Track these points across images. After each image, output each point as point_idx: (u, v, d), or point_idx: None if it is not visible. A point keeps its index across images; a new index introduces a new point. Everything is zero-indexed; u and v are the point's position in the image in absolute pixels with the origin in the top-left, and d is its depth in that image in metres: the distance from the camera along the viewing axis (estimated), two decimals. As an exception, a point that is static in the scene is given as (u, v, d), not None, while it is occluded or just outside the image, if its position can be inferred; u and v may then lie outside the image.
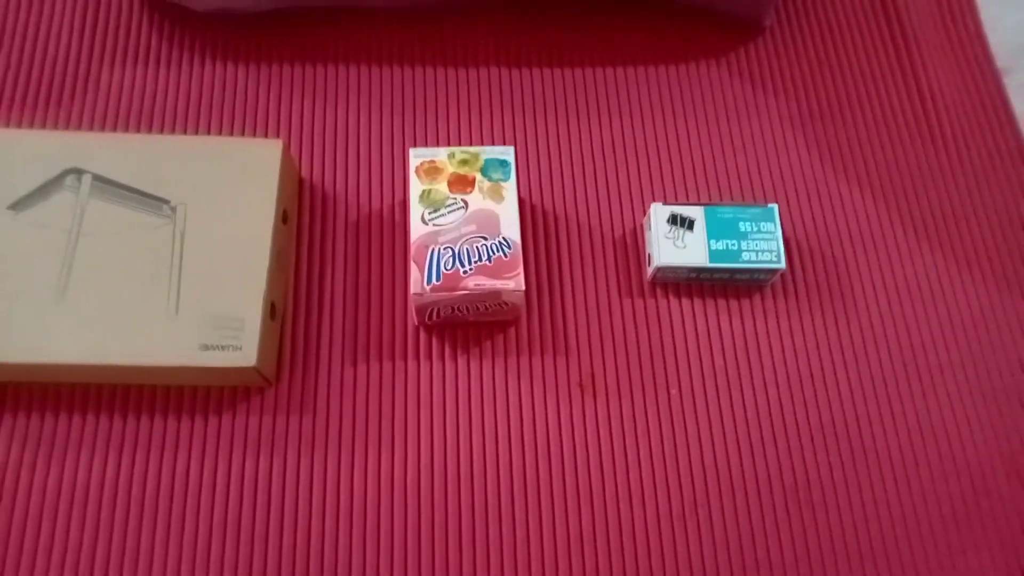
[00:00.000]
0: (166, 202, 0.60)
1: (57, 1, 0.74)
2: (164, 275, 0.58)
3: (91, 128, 0.69)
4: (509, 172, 0.62)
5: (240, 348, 0.56)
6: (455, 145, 0.70)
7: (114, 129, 0.69)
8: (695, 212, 0.65)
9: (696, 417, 0.62)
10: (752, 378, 0.64)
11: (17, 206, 0.59)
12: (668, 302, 0.66)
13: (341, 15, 0.75)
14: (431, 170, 0.61)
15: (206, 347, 0.56)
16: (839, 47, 0.78)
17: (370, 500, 0.58)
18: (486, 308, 0.61)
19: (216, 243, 0.59)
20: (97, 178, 0.60)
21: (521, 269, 0.58)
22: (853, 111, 0.75)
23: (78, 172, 0.60)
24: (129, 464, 0.58)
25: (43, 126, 0.68)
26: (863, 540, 0.59)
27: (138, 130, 0.69)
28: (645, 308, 0.65)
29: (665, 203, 0.66)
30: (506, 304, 0.60)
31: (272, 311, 0.60)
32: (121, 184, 0.60)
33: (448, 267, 0.58)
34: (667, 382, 0.63)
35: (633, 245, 0.68)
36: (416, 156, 0.62)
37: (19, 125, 0.68)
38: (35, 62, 0.71)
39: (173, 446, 0.59)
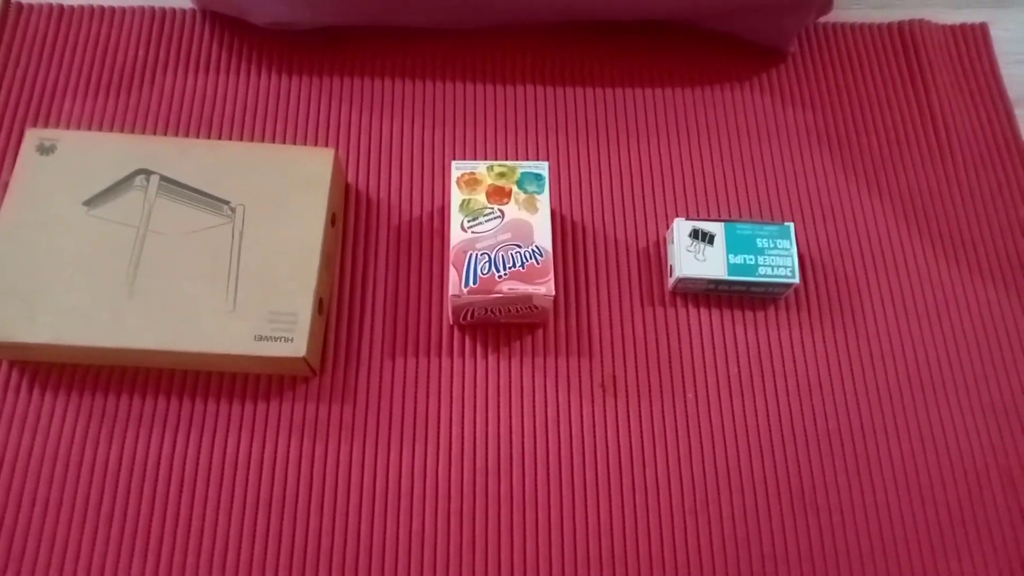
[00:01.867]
0: (226, 203, 0.65)
1: (127, 13, 0.79)
2: (223, 270, 0.62)
3: (155, 130, 0.74)
4: (543, 185, 0.66)
5: (291, 340, 0.61)
6: (492, 158, 0.75)
7: (176, 132, 0.74)
8: (716, 228, 0.69)
9: (710, 420, 0.66)
10: (764, 385, 0.68)
11: (90, 202, 0.64)
12: (687, 311, 0.70)
13: (389, 33, 0.80)
14: (471, 181, 0.66)
15: (260, 338, 0.61)
16: (857, 75, 0.82)
17: (403, 485, 0.63)
18: (517, 311, 0.65)
19: (271, 242, 0.64)
20: (164, 179, 0.65)
21: (552, 276, 0.62)
22: (868, 136, 0.79)
23: (147, 173, 0.65)
24: (184, 443, 0.63)
25: (112, 127, 0.74)
26: (863, 541, 0.63)
27: (198, 134, 0.74)
28: (665, 316, 0.70)
29: (687, 218, 0.70)
30: (536, 308, 0.65)
31: (320, 306, 0.64)
32: (186, 185, 0.65)
33: (484, 272, 0.62)
34: (684, 386, 0.67)
35: (656, 257, 0.72)
36: (457, 168, 0.67)
37: (90, 125, 0.74)
38: (105, 69, 0.76)
39: (225, 428, 0.64)
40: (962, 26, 0.85)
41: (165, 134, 0.74)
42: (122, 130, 0.74)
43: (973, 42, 0.84)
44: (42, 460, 0.62)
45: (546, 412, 0.66)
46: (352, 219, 0.72)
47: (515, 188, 0.66)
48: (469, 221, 0.64)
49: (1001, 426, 0.67)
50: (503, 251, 0.63)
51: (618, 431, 0.65)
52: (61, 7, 0.79)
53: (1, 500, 0.60)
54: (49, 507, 0.60)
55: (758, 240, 0.68)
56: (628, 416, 0.66)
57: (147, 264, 0.62)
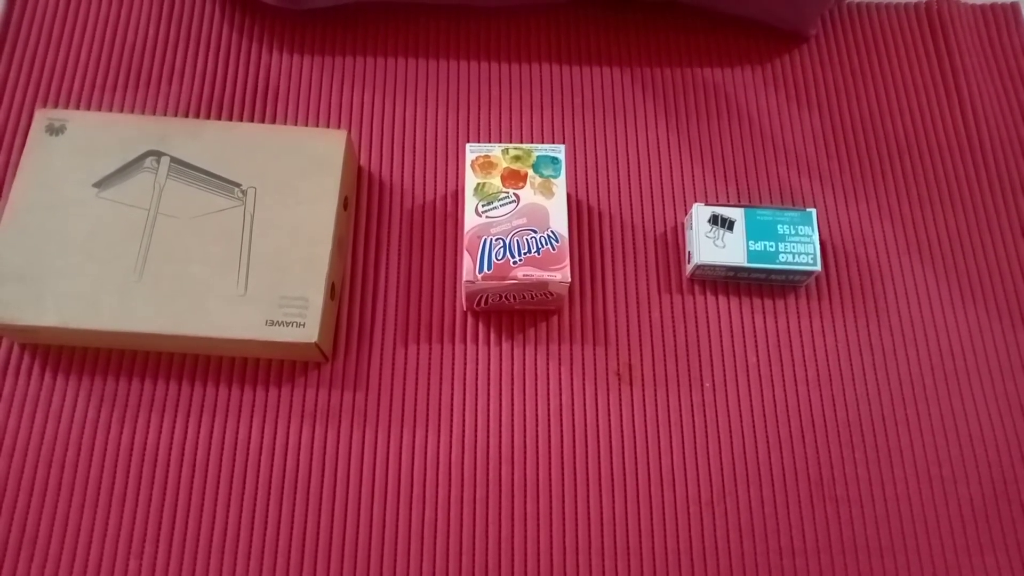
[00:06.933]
0: (237, 185, 0.64)
1: (137, -9, 0.78)
2: (234, 253, 0.62)
3: (165, 111, 0.73)
4: (559, 169, 0.65)
5: (303, 325, 0.60)
6: (508, 141, 0.74)
7: (186, 113, 0.73)
8: (735, 213, 0.67)
9: (728, 410, 0.65)
10: (783, 375, 0.66)
11: (100, 184, 0.63)
12: (705, 299, 0.69)
13: (402, 12, 0.79)
14: (486, 164, 0.65)
15: (271, 323, 0.60)
16: (882, 57, 0.80)
17: (416, 472, 0.62)
18: (532, 297, 0.64)
19: (283, 226, 0.63)
20: (175, 161, 0.64)
21: (568, 262, 0.61)
22: (893, 120, 0.77)
23: (157, 154, 0.64)
24: (196, 428, 0.62)
25: (122, 108, 0.73)
26: (883, 534, 0.62)
27: (209, 115, 0.73)
28: (683, 304, 0.68)
29: (707, 204, 0.69)
30: (551, 294, 0.63)
31: (332, 291, 0.63)
32: (196, 167, 0.64)
33: (499, 257, 0.61)
34: (701, 375, 0.66)
35: (674, 243, 0.71)
36: (472, 151, 0.65)
37: (100, 106, 0.73)
38: (115, 49, 0.75)
39: (236, 413, 0.63)
40: (992, 5, 0.82)
41: (175, 115, 0.73)
42: (132, 110, 0.73)
43: (1003, 22, 0.82)
44: (54, 444, 0.61)
45: (561, 400, 0.65)
46: (364, 202, 0.71)
47: (531, 172, 0.64)
48: (484, 205, 0.63)
49: (1026, 418, 0.66)
50: (518, 236, 0.62)
51: (634, 420, 0.64)
52: (70, -15, 0.78)
53: (12, 482, 0.60)
54: (62, 490, 0.60)
55: (779, 226, 0.67)
56: (644, 405, 0.65)
57: (157, 247, 0.61)
